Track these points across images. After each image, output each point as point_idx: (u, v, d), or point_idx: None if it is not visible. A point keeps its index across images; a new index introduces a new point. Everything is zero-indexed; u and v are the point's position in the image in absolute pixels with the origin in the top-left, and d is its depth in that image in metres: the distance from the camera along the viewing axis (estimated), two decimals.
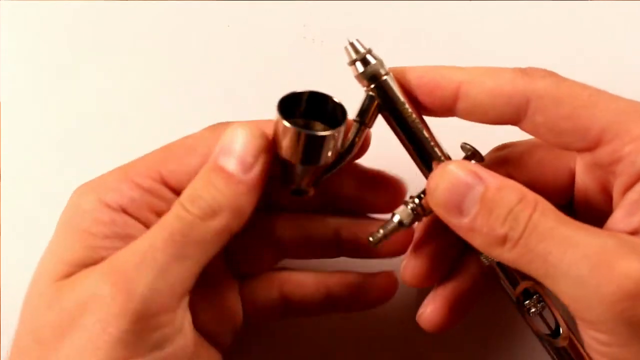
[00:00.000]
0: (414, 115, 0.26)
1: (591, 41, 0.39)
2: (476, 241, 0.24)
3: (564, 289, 0.22)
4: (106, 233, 0.25)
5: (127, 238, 0.25)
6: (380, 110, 0.27)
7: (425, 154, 0.27)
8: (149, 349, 0.23)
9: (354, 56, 0.26)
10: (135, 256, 0.23)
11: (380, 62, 0.26)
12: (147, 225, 0.25)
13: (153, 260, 0.23)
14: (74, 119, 0.38)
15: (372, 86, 0.26)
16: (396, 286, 0.31)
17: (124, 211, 0.25)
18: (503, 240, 0.23)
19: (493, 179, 0.24)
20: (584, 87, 0.25)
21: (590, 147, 0.24)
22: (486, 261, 0.27)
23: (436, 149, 0.27)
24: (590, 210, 0.27)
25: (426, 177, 0.27)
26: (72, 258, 0.24)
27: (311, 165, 0.25)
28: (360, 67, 0.26)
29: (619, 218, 0.24)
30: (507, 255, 0.23)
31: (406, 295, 0.34)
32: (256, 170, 0.25)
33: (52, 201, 0.36)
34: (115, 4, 0.39)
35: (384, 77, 0.26)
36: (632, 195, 0.24)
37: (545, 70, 0.25)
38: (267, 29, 0.39)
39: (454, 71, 0.26)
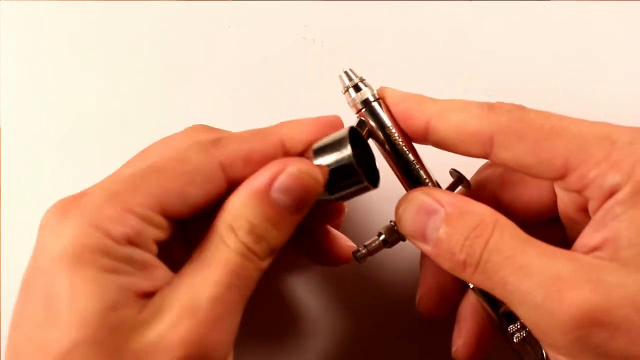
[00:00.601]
0: (399, 140, 0.28)
1: (591, 41, 0.39)
2: (444, 265, 0.25)
3: (524, 315, 0.23)
4: (127, 270, 0.23)
5: (145, 269, 0.24)
6: (370, 135, 0.28)
7: (411, 177, 0.28)
8: None
9: (347, 83, 0.28)
10: (209, 301, 0.23)
11: (371, 89, 0.28)
12: (152, 254, 0.25)
13: (224, 305, 0.24)
14: (74, 119, 0.38)
15: (363, 110, 0.28)
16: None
17: (132, 244, 0.24)
18: (463, 265, 0.24)
19: (453, 205, 0.25)
20: (546, 117, 0.25)
21: (559, 177, 0.25)
22: (466, 283, 0.28)
23: (421, 172, 0.28)
24: (574, 225, 0.27)
25: None
26: (105, 305, 0.23)
27: (329, 197, 0.26)
28: (352, 93, 0.28)
29: (586, 234, 0.24)
30: (472, 279, 0.24)
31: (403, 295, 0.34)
32: (306, 211, 0.26)
33: (53, 201, 0.36)
34: (115, 4, 0.39)
35: (373, 102, 0.28)
36: (599, 213, 0.24)
37: (511, 105, 0.26)
38: (267, 29, 0.39)
39: (426, 104, 0.27)
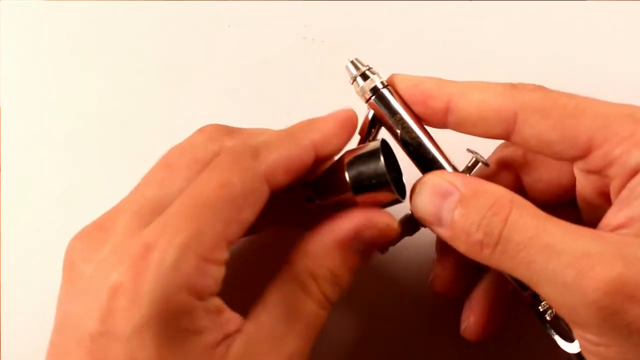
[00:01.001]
0: (412, 125, 0.27)
1: (591, 41, 0.39)
2: (460, 248, 0.25)
3: (551, 294, 0.23)
4: (208, 326, 0.23)
5: (220, 316, 0.23)
6: (382, 124, 0.28)
7: (426, 161, 0.27)
8: None
9: (354, 72, 0.28)
10: (292, 357, 0.24)
11: (379, 76, 0.28)
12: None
13: (303, 358, 0.24)
14: (74, 119, 0.38)
15: (372, 99, 0.27)
16: None
17: (212, 294, 0.23)
18: (481, 245, 0.23)
19: (467, 186, 0.24)
20: (570, 96, 0.25)
21: (582, 155, 0.25)
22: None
23: (436, 155, 0.27)
24: (591, 209, 0.27)
25: None
26: None
27: (355, 195, 0.26)
28: (360, 82, 0.28)
29: (610, 214, 0.24)
30: (490, 260, 0.24)
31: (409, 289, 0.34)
32: None
33: (53, 201, 0.36)
34: (115, 4, 0.39)
35: (382, 89, 0.27)
36: (623, 192, 0.24)
37: (533, 85, 0.26)
38: (267, 29, 0.39)
39: (446, 84, 0.27)
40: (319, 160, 0.26)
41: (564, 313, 0.23)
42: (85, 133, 0.37)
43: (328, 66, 0.38)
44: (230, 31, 0.39)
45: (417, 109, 0.27)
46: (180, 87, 0.38)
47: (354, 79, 0.28)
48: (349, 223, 0.25)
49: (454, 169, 0.27)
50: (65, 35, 0.39)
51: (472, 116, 0.26)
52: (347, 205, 0.26)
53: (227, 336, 0.23)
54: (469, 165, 0.27)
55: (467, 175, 0.27)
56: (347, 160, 0.26)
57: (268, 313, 0.24)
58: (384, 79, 0.28)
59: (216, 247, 0.23)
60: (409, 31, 0.39)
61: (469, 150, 0.28)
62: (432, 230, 0.26)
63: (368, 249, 0.26)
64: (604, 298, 0.21)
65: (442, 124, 0.27)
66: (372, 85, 0.27)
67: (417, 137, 0.27)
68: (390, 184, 0.25)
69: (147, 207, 0.24)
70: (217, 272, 0.23)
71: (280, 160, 0.25)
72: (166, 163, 0.26)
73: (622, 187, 0.24)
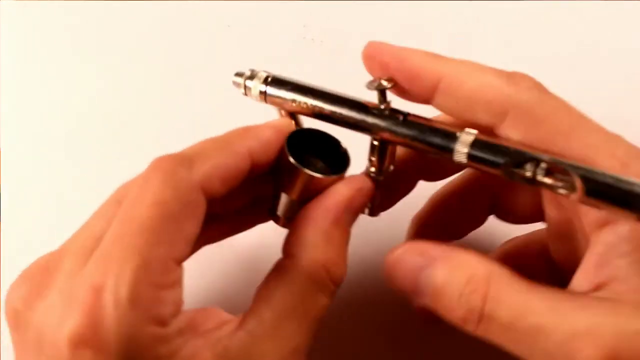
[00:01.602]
0: (313, 102, 0.26)
1: (591, 41, 0.39)
2: (445, 317, 0.23)
3: None
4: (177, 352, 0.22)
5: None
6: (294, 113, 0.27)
7: (351, 124, 0.26)
8: None
9: (240, 81, 0.28)
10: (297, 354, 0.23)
11: (264, 72, 0.27)
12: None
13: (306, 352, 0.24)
14: (74, 119, 0.38)
15: (268, 91, 0.27)
16: None
17: (174, 314, 0.22)
18: (464, 321, 0.22)
19: (440, 257, 0.23)
20: (568, 110, 0.23)
21: None
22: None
23: (354, 114, 0.25)
24: (561, 238, 0.26)
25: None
26: None
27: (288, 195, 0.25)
28: (250, 84, 0.27)
29: (587, 270, 0.23)
30: (476, 333, 0.22)
31: None
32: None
33: (53, 201, 0.36)
34: (115, 4, 0.39)
35: (268, 85, 0.27)
36: (598, 247, 0.23)
37: (531, 80, 0.24)
38: (267, 29, 0.39)
39: (436, 62, 0.25)
40: (256, 168, 0.25)
41: None
42: (85, 133, 0.37)
43: (328, 66, 0.38)
44: (230, 31, 0.39)
45: (401, 82, 0.25)
46: (180, 87, 0.38)
47: (244, 86, 0.27)
48: (337, 200, 0.24)
49: (371, 111, 0.25)
50: (65, 35, 0.39)
51: (461, 103, 0.24)
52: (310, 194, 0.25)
53: (219, 340, 0.23)
54: (379, 97, 0.25)
55: (439, 244, 0.24)
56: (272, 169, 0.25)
57: (272, 310, 0.23)
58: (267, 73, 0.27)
59: (166, 271, 0.21)
60: (409, 31, 0.39)
61: (370, 85, 0.25)
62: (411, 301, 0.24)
63: (355, 218, 0.25)
64: None
65: (423, 101, 0.25)
66: (261, 80, 0.27)
67: (324, 108, 0.26)
68: (299, 166, 0.24)
69: (95, 244, 0.22)
70: (175, 294, 0.22)
71: (216, 169, 0.23)
72: (117, 199, 0.24)
73: (595, 229, 0.23)
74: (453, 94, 0.24)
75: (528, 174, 0.22)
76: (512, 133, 0.23)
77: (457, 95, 0.24)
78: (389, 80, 0.24)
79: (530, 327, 0.21)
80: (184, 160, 0.23)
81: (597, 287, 0.23)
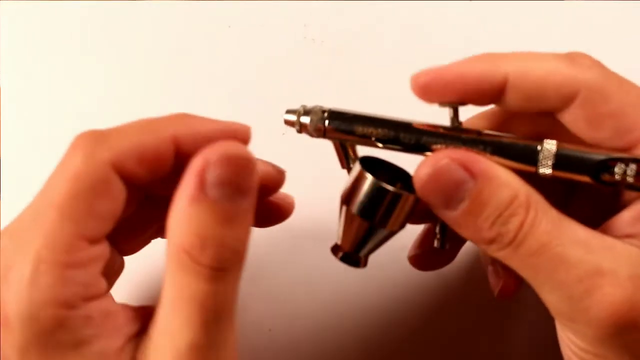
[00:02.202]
0: (377, 128, 0.25)
1: (591, 41, 0.39)
2: (464, 235, 0.23)
3: (552, 300, 0.22)
4: (96, 334, 0.21)
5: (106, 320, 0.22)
6: (352, 143, 0.26)
7: (417, 147, 0.24)
8: None
9: (293, 118, 0.26)
10: (191, 350, 0.21)
11: (313, 108, 0.26)
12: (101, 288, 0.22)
13: (207, 345, 0.21)
14: (75, 119, 0.38)
15: (328, 124, 0.25)
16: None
17: (85, 300, 0.21)
18: (491, 241, 0.22)
19: (484, 174, 0.22)
20: (631, 84, 0.23)
21: (625, 149, 0.23)
22: None
23: (423, 137, 0.24)
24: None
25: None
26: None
27: (386, 227, 0.24)
28: (306, 120, 0.25)
29: (624, 218, 0.23)
30: (494, 254, 0.23)
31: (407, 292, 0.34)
32: (254, 192, 0.22)
33: None
34: (115, 4, 0.39)
35: (326, 116, 0.25)
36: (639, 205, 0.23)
37: (590, 58, 0.24)
38: (267, 29, 0.39)
39: (500, 61, 0.24)
40: (184, 156, 0.23)
41: (559, 315, 0.23)
42: None
43: (328, 66, 0.38)
44: (230, 31, 0.39)
45: (467, 96, 0.24)
46: (180, 87, 0.38)
47: (299, 124, 0.25)
48: (190, 174, 0.21)
49: (441, 136, 0.24)
50: (66, 35, 0.39)
51: (533, 94, 0.23)
52: (390, 236, 0.24)
53: (131, 338, 0.22)
54: (452, 117, 0.24)
55: (480, 157, 0.24)
56: (342, 195, 0.24)
57: (160, 307, 0.21)
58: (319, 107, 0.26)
59: (72, 249, 0.21)
60: (409, 31, 0.39)
61: (442, 105, 0.25)
62: (434, 211, 0.24)
63: (234, 191, 0.21)
64: (608, 319, 0.21)
65: (489, 103, 0.25)
66: (321, 111, 0.25)
67: (389, 133, 0.24)
68: (390, 189, 0.23)
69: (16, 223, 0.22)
70: (85, 275, 0.21)
71: (131, 148, 0.22)
72: (51, 200, 0.22)
73: None
74: (522, 86, 0.23)
75: (617, 177, 0.22)
76: (579, 111, 0.23)
77: (526, 87, 0.23)
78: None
79: (554, 256, 0.21)
80: (100, 137, 0.22)
81: (629, 236, 0.23)
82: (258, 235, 0.31)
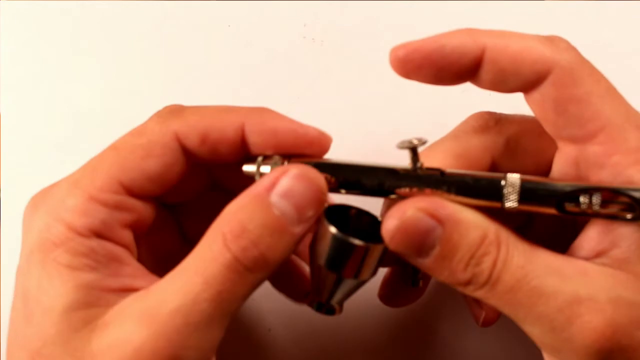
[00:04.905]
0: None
1: (591, 41, 0.39)
2: (439, 278, 0.23)
3: (535, 333, 0.22)
4: (91, 265, 0.22)
5: (112, 264, 0.23)
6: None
7: (374, 190, 0.24)
8: None
9: (253, 169, 0.25)
10: (171, 313, 0.21)
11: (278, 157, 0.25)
12: (123, 243, 0.24)
13: (191, 318, 0.21)
14: (74, 119, 0.38)
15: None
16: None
17: (98, 235, 0.23)
18: (467, 283, 0.22)
19: (451, 218, 0.22)
20: (603, 76, 0.23)
21: (581, 140, 0.23)
22: None
23: (389, 181, 0.24)
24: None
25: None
26: (68, 304, 0.22)
27: (356, 278, 0.24)
28: (264, 169, 0.25)
29: (590, 236, 0.23)
30: (472, 294, 0.22)
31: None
32: (308, 225, 0.23)
33: None
34: (115, 3, 0.39)
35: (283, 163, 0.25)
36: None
37: (568, 43, 0.24)
38: (267, 29, 0.39)
39: (477, 35, 0.24)
40: (251, 147, 0.24)
41: (548, 350, 0.23)
42: (85, 133, 0.37)
43: (328, 66, 0.38)
44: (230, 31, 0.39)
45: (444, 70, 0.24)
46: (180, 87, 0.38)
47: (259, 174, 0.25)
48: (265, 178, 0.23)
49: (404, 178, 0.24)
50: (66, 34, 0.39)
51: (508, 67, 0.23)
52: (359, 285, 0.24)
53: (125, 290, 0.23)
54: (412, 157, 0.24)
55: (442, 195, 0.23)
56: (311, 252, 0.24)
57: (174, 270, 0.22)
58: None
59: (106, 188, 0.23)
60: (409, 31, 0.39)
61: (402, 144, 0.23)
62: (404, 258, 0.23)
63: (293, 209, 0.22)
64: (593, 345, 0.21)
65: (468, 78, 0.24)
66: (279, 164, 0.25)
67: (351, 178, 0.24)
68: (355, 243, 0.22)
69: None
70: (102, 213, 0.23)
71: (197, 124, 0.24)
72: (114, 145, 0.25)
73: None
74: (498, 59, 0.23)
75: (583, 206, 0.22)
76: (548, 91, 0.23)
77: (503, 60, 0.23)
78: (420, 139, 0.23)
79: (531, 290, 0.21)
80: (178, 110, 0.25)
81: (599, 254, 0.23)
82: None
